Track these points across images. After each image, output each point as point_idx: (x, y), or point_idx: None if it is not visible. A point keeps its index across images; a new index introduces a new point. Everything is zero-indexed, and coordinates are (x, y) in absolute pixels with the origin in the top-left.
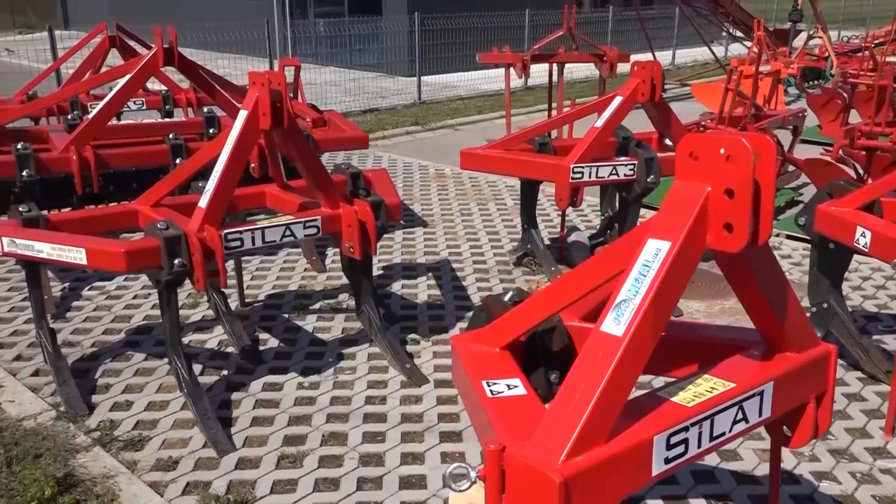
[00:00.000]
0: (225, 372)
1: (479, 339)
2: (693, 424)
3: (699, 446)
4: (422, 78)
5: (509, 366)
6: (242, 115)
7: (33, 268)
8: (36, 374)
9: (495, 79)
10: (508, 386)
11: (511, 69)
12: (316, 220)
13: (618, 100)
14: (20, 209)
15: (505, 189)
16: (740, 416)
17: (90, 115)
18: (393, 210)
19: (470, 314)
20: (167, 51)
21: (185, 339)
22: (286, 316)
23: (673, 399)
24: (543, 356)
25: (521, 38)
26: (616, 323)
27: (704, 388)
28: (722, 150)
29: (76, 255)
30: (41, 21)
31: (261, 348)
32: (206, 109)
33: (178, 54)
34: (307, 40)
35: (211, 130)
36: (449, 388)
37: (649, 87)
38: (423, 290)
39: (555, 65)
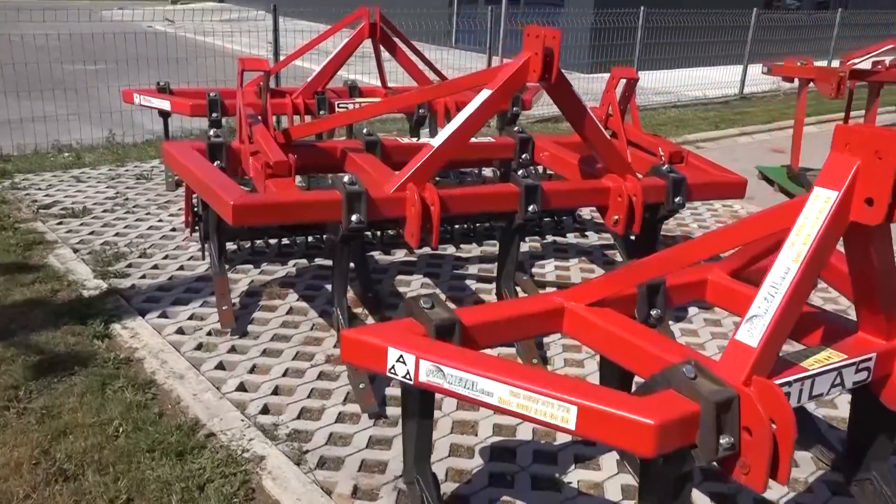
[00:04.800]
0: None
1: None
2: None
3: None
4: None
5: None
6: (824, 194)
7: (429, 398)
8: None
9: (702, 85)
10: None
11: (810, 84)
12: (870, 359)
13: None
14: (424, 305)
15: None
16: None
17: (435, 142)
18: None
19: None
20: (546, 62)
21: None
22: None
23: None
24: None
25: (740, 40)
26: None
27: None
28: None
29: (557, 413)
30: None
31: None
32: (517, 129)
33: (558, 69)
34: (469, 31)
35: (524, 156)
36: None
37: None
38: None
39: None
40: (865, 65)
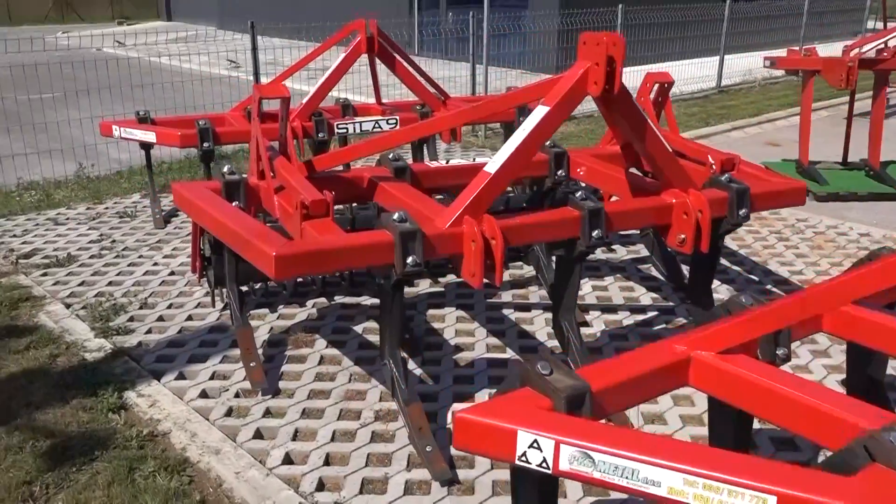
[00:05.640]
0: None
1: None
2: None
3: None
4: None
5: None
6: None
7: (553, 482)
8: None
9: (678, 81)
10: None
11: (815, 77)
12: None
13: None
14: (542, 371)
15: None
16: None
17: (491, 168)
18: None
19: None
20: (609, 72)
21: None
22: None
23: None
24: None
25: (714, 33)
26: None
27: None
28: None
29: None
30: (138, 12)
31: None
32: (548, 143)
33: (621, 80)
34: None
35: (560, 172)
36: None
37: None
38: None
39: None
40: (869, 53)
